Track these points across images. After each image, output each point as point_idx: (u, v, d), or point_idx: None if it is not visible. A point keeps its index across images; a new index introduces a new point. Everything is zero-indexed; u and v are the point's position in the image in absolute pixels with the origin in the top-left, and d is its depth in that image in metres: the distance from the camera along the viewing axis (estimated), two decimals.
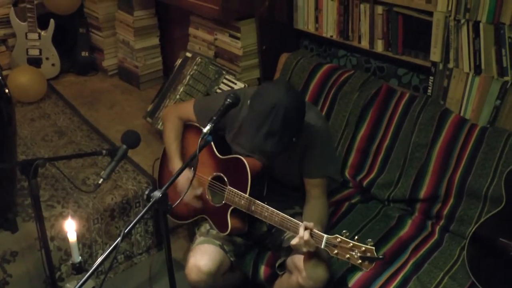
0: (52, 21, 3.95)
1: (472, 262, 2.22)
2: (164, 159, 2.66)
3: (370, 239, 1.89)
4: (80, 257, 2.30)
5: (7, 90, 2.39)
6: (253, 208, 2.17)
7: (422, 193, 2.55)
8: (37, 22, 3.90)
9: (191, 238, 2.63)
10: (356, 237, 1.91)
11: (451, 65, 2.60)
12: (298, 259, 2.12)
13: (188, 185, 2.01)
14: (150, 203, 1.73)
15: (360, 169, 2.76)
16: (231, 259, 2.31)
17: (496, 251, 2.16)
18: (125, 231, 1.66)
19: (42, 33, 3.94)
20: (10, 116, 2.41)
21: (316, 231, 1.99)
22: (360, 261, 1.88)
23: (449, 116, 2.58)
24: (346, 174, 2.79)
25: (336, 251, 1.93)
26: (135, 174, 3.04)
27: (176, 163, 2.45)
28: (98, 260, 1.62)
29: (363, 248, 1.87)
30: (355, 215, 2.59)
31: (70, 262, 2.37)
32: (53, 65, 4.06)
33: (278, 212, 2.11)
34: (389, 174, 2.67)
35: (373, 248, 1.86)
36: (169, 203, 1.78)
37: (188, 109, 2.49)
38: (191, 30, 3.51)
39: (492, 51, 2.44)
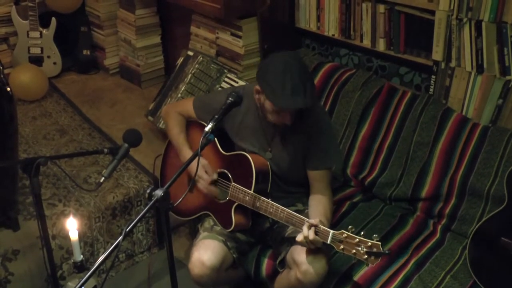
0: (53, 19, 3.95)
1: (473, 261, 2.22)
2: (166, 156, 2.66)
3: (376, 235, 1.90)
4: (81, 256, 2.31)
5: (8, 88, 2.39)
6: (258, 204, 2.19)
7: (424, 192, 2.55)
8: (38, 20, 3.90)
9: (192, 237, 2.63)
10: (362, 233, 1.92)
11: (453, 64, 2.59)
12: (297, 254, 2.13)
13: (196, 170, 2.05)
14: (152, 201, 1.73)
15: (362, 168, 2.76)
16: (234, 255, 2.31)
17: (498, 251, 2.16)
18: (127, 230, 1.66)
19: (44, 31, 3.94)
20: (12, 114, 2.41)
21: (322, 227, 1.99)
22: (366, 256, 1.88)
23: (451, 115, 2.58)
24: (348, 173, 2.78)
25: (342, 247, 1.93)
26: (136, 172, 3.05)
27: (187, 153, 2.45)
28: (100, 258, 1.62)
29: (369, 243, 1.88)
30: (356, 214, 2.59)
31: (72, 260, 2.38)
32: (54, 63, 4.06)
33: (283, 208, 2.13)
34: (391, 173, 2.66)
35: (379, 243, 1.87)
36: (171, 201, 1.78)
37: (187, 106, 2.51)
38: (193, 29, 3.51)
39: (494, 50, 2.43)
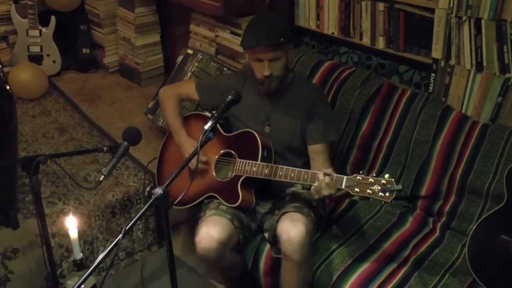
0: (53, 18, 3.95)
1: (473, 259, 2.21)
2: (164, 152, 2.67)
3: (388, 174, 1.99)
4: (81, 254, 2.30)
5: (8, 87, 2.39)
6: (267, 171, 2.25)
7: (424, 190, 2.55)
8: (38, 19, 3.90)
9: (192, 235, 2.62)
10: (373, 174, 2.01)
11: (452, 62, 2.59)
12: (279, 228, 2.21)
13: (196, 167, 2.08)
14: (151, 199, 1.73)
15: (361, 166, 2.76)
16: (239, 236, 2.34)
17: (497, 248, 2.16)
18: (126, 228, 1.66)
19: (43, 30, 3.94)
20: (11, 113, 2.41)
21: (335, 175, 2.08)
22: (381, 193, 1.98)
23: (451, 113, 2.58)
24: (348, 170, 2.78)
25: (357, 189, 2.02)
26: (136, 170, 3.05)
27: (183, 137, 2.51)
28: (99, 257, 1.62)
29: (383, 181, 1.98)
30: (356, 212, 2.59)
31: (71, 258, 2.37)
32: (54, 62, 4.06)
33: (293, 168, 2.20)
34: (390, 171, 2.66)
35: (392, 179, 1.97)
36: (170, 199, 1.79)
37: (189, 89, 2.58)
38: (192, 27, 3.51)
39: (494, 48, 2.43)
